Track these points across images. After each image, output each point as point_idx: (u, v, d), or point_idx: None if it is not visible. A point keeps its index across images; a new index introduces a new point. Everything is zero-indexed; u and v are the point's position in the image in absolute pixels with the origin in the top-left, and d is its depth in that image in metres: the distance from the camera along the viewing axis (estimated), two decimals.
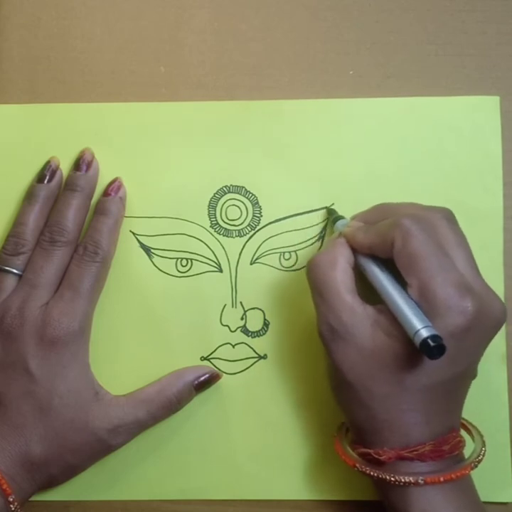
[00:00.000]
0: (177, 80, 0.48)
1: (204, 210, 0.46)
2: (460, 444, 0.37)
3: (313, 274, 0.39)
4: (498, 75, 0.47)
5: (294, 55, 0.47)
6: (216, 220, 0.46)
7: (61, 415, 0.40)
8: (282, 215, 0.46)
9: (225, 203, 0.46)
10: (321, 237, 0.45)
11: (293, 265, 0.45)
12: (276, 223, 0.46)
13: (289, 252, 0.45)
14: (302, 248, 0.45)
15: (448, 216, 0.38)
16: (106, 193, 0.45)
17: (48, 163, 0.45)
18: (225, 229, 0.46)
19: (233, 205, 0.46)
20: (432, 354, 0.33)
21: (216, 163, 0.46)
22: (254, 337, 0.45)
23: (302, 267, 0.45)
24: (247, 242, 0.45)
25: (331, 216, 0.45)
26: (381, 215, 0.40)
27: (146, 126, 0.46)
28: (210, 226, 0.46)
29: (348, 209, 0.45)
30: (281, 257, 0.45)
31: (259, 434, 0.45)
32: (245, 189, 0.46)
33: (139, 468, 0.45)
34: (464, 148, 0.46)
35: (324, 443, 0.44)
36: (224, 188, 0.46)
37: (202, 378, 0.43)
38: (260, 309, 0.45)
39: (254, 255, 0.45)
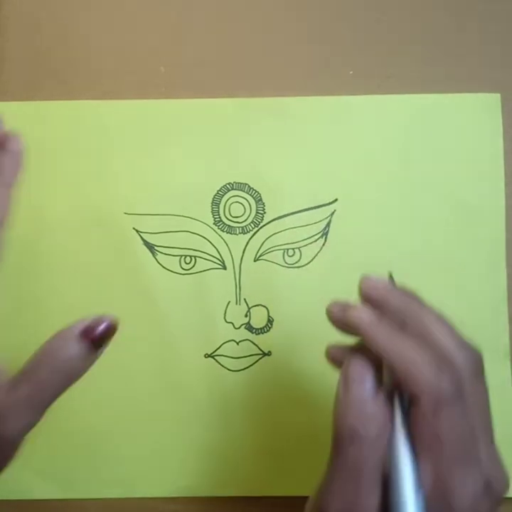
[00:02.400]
0: (177, 79, 0.48)
1: (207, 207, 0.46)
2: None
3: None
4: (498, 76, 0.47)
5: (294, 55, 0.48)
6: (219, 217, 0.46)
7: None
8: (286, 211, 0.46)
9: (228, 200, 0.46)
10: (325, 233, 0.45)
11: (297, 262, 0.45)
12: (280, 220, 0.46)
13: (293, 249, 0.45)
14: (306, 244, 0.45)
15: (477, 370, 0.31)
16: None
17: None
18: (229, 226, 0.46)
19: (237, 202, 0.46)
20: None
21: (219, 160, 0.46)
22: (259, 334, 0.45)
23: (306, 264, 0.45)
24: (250, 239, 0.45)
25: None
26: (403, 311, 0.32)
27: (148, 124, 0.46)
28: (214, 223, 0.46)
29: (351, 205, 0.45)
30: (285, 253, 0.45)
31: (263, 431, 0.45)
32: (249, 186, 0.46)
33: (140, 465, 0.44)
34: (466, 145, 0.46)
35: (328, 440, 0.44)
36: (227, 185, 0.46)
37: (93, 329, 0.33)
38: (264, 306, 0.45)
39: (257, 252, 0.45)
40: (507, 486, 0.30)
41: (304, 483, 0.44)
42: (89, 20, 0.48)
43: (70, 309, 0.45)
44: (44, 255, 0.46)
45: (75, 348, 0.32)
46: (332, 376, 0.41)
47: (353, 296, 0.44)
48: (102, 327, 0.33)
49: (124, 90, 0.48)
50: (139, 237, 0.45)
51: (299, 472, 0.44)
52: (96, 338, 0.32)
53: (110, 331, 0.33)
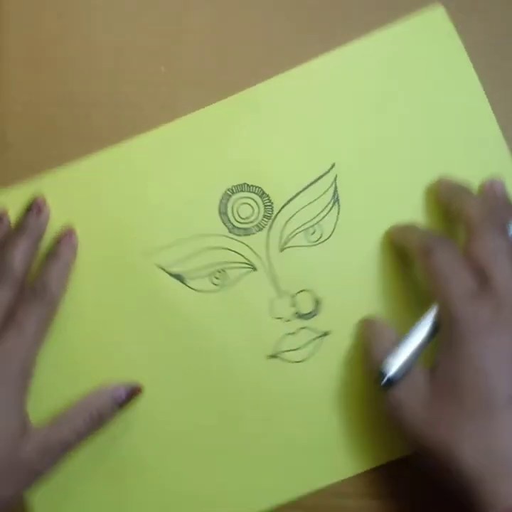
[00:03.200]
0: (177, 80, 0.48)
1: (217, 219, 0.46)
2: None
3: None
4: None
5: (294, 55, 0.47)
6: (232, 224, 0.45)
7: None
8: (291, 194, 0.45)
9: (233, 205, 0.46)
10: (336, 200, 0.45)
11: (319, 238, 0.45)
12: (289, 204, 0.45)
13: (312, 226, 0.45)
14: (322, 218, 0.45)
15: None
16: (58, 238, 0.44)
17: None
18: (244, 229, 0.45)
19: (242, 203, 0.46)
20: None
21: (211, 170, 0.46)
22: (310, 318, 0.45)
23: (329, 236, 0.45)
24: (268, 233, 0.45)
25: None
26: None
27: (141, 161, 0.47)
28: (229, 232, 0.45)
29: (349, 165, 0.45)
30: (306, 233, 0.45)
31: (349, 416, 0.44)
32: (247, 185, 0.46)
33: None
34: (434, 72, 0.45)
35: None
36: (227, 192, 0.46)
37: (121, 392, 0.43)
38: (306, 290, 0.45)
39: (280, 242, 0.45)
40: None
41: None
42: (89, 20, 0.49)
43: (112, 360, 0.45)
44: (71, 316, 0.45)
45: (108, 403, 0.42)
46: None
47: (381, 247, 0.44)
48: (129, 393, 0.43)
49: (124, 90, 0.48)
50: (163, 272, 0.45)
51: None
52: (124, 402, 0.43)
53: (135, 395, 0.44)
